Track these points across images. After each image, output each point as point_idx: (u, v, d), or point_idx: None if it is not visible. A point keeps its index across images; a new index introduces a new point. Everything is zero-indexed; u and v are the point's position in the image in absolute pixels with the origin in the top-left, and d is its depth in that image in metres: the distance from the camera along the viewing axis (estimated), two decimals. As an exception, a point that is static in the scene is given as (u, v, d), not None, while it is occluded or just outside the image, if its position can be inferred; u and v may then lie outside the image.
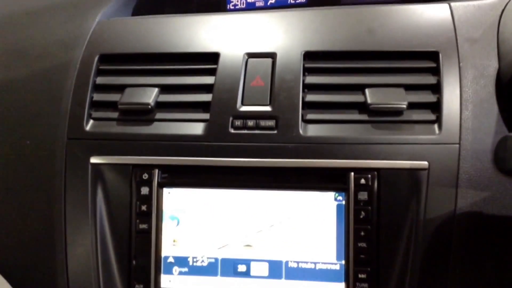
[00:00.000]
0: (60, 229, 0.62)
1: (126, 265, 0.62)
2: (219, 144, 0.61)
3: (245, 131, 0.61)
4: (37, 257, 0.63)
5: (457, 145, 0.58)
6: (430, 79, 0.62)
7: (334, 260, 0.60)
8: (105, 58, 0.69)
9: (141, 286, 0.62)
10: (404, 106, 0.59)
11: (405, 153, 0.58)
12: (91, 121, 0.65)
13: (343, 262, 0.60)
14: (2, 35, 0.76)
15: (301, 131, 0.60)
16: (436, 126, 0.59)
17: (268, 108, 0.62)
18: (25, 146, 0.66)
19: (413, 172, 0.57)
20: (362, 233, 0.58)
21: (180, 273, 0.63)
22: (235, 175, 0.62)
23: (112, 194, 0.63)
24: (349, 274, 0.59)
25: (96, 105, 0.66)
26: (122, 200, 0.63)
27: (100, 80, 0.68)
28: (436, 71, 0.62)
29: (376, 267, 0.58)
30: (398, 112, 0.60)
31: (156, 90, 0.65)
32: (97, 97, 0.67)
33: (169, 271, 0.63)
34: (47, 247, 0.62)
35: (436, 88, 0.61)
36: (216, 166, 0.61)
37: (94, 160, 0.62)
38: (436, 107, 0.60)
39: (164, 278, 0.63)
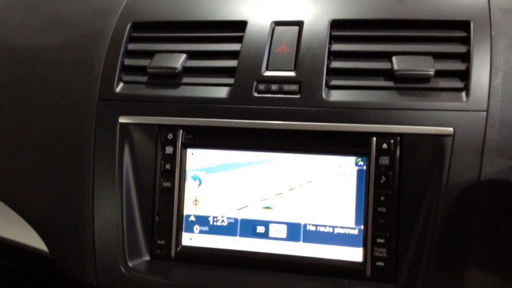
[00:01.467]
0: (88, 185, 0.64)
1: (149, 222, 0.64)
2: (242, 107, 0.62)
3: (269, 95, 0.62)
4: (66, 210, 0.66)
5: (485, 113, 0.56)
6: (460, 48, 0.61)
7: (352, 224, 0.60)
8: (137, 26, 0.71)
9: (163, 242, 0.64)
10: (431, 73, 0.58)
11: (429, 119, 0.57)
12: (121, 84, 0.68)
13: (362, 227, 0.59)
14: (42, 5, 0.80)
15: (324, 96, 0.60)
16: (463, 93, 0.58)
17: (292, 73, 0.62)
18: (59, 106, 0.69)
19: (437, 138, 0.57)
20: (382, 198, 0.58)
21: (201, 231, 0.64)
22: (257, 138, 0.63)
23: (138, 153, 0.65)
24: (367, 239, 0.58)
25: (127, 69, 0.69)
26: (147, 159, 0.65)
27: (132, 46, 0.70)
28: (466, 41, 0.61)
29: (395, 232, 0.58)
30: (425, 79, 0.59)
31: (184, 56, 0.67)
32: (128, 62, 0.69)
33: (190, 229, 0.64)
34: (75, 201, 0.65)
35: (466, 57, 0.60)
36: (239, 128, 0.62)
37: (122, 120, 0.65)
38: (464, 75, 0.59)
39: (185, 236, 0.64)
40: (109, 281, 0.62)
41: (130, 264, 0.62)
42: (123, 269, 0.61)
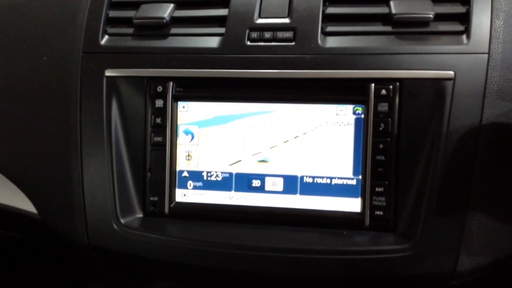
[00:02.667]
0: (75, 142, 0.62)
1: (141, 178, 0.62)
2: (235, 56, 0.59)
3: (262, 43, 0.59)
4: (54, 169, 0.63)
5: (486, 55, 0.54)
6: None
7: (350, 175, 0.58)
8: None
9: (156, 198, 0.62)
10: (431, 16, 0.56)
11: (429, 63, 0.55)
12: (106, 36, 0.64)
13: (360, 177, 0.58)
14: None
15: (320, 43, 0.58)
16: (464, 36, 0.56)
17: (286, 20, 0.59)
18: (43, 62, 0.66)
19: (437, 82, 0.55)
20: (381, 146, 0.56)
21: (195, 187, 0.62)
22: (251, 88, 0.60)
23: (127, 107, 0.62)
24: (366, 189, 0.57)
25: (112, 22, 0.65)
26: (137, 113, 0.62)
27: None
28: None
29: (394, 181, 0.56)
30: (424, 23, 0.57)
31: (171, 5, 0.63)
32: (113, 13, 0.65)
33: (183, 185, 0.63)
34: (63, 159, 0.63)
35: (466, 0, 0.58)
36: (231, 78, 0.60)
37: (109, 73, 0.62)
38: (465, 18, 0.57)
39: (178, 192, 0.62)
40: (101, 239, 0.60)
41: (122, 221, 0.60)
42: (115, 226, 0.59)
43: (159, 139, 0.61)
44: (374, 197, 0.57)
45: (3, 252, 1.03)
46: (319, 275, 0.55)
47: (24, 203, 0.68)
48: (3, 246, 0.97)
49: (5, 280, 1.27)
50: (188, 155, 0.62)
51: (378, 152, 0.56)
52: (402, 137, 0.56)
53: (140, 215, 0.62)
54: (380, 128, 0.56)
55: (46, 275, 1.37)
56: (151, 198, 0.62)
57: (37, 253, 1.12)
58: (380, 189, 0.57)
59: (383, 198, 0.57)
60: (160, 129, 0.61)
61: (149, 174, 0.62)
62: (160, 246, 0.58)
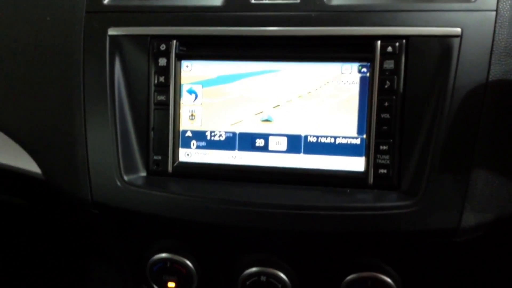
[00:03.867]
0: (79, 101, 0.62)
1: (145, 137, 0.62)
2: (239, 14, 0.59)
3: (267, 1, 0.59)
4: (57, 127, 0.63)
5: (494, 12, 0.54)
6: None
7: (355, 134, 0.58)
8: None
9: (159, 157, 0.62)
10: None
11: (436, 20, 0.54)
12: None
13: (364, 136, 0.58)
14: None
15: (325, 0, 0.57)
16: None
17: None
18: (46, 22, 0.65)
19: (444, 39, 0.54)
20: (386, 104, 0.56)
21: (198, 147, 0.62)
22: (255, 46, 0.60)
23: (130, 66, 0.62)
24: (370, 147, 0.57)
25: None
26: (140, 72, 0.62)
27: None
28: None
29: (399, 139, 0.56)
30: None
31: None
32: None
33: (187, 145, 0.62)
34: (67, 117, 0.62)
35: None
36: (235, 37, 0.59)
37: (112, 32, 0.61)
38: None
39: (182, 152, 0.62)
40: (104, 195, 0.60)
41: (125, 178, 0.60)
42: (118, 183, 0.59)
43: (162, 98, 0.61)
44: (378, 156, 0.57)
45: (7, 219, 1.04)
46: (322, 231, 0.55)
47: (27, 164, 0.68)
48: (7, 213, 0.98)
49: (8, 249, 1.28)
50: (192, 115, 0.62)
51: (383, 110, 0.56)
52: (407, 95, 0.55)
53: (143, 174, 0.62)
54: (386, 86, 0.56)
55: (48, 249, 1.38)
56: (155, 157, 0.62)
57: (40, 225, 1.13)
58: (384, 148, 0.56)
59: (387, 157, 0.56)
60: (163, 88, 0.61)
61: (152, 133, 0.62)
62: (163, 203, 0.58)
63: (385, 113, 0.56)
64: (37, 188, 0.74)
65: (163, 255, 0.63)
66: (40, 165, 0.66)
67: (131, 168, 0.61)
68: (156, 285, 0.66)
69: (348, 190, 0.57)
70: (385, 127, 0.56)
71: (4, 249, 1.27)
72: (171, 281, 0.65)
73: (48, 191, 0.68)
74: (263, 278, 0.61)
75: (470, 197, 0.52)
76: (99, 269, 1.43)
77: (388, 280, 0.58)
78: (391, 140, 0.56)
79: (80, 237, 1.02)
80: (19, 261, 1.35)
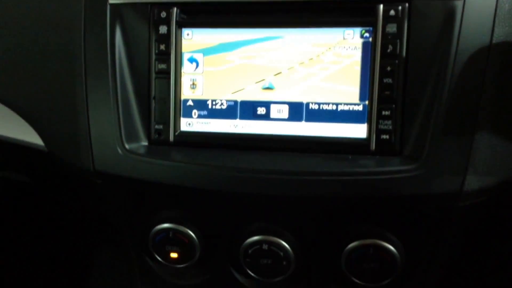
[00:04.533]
0: (80, 69, 0.61)
1: (146, 106, 0.62)
2: (239, -20, 0.58)
3: None
4: (58, 96, 0.63)
5: None
6: None
7: (357, 100, 0.58)
8: None
9: (161, 127, 0.62)
10: None
11: None
12: None
13: (366, 102, 0.57)
14: None
15: None
16: None
17: None
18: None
19: (447, 2, 0.53)
20: (389, 68, 0.55)
21: (199, 116, 0.62)
22: (256, 13, 0.59)
23: (131, 35, 0.61)
24: (372, 113, 0.56)
25: None
26: (141, 41, 0.61)
27: None
28: None
29: (401, 104, 0.55)
30: None
31: None
32: None
33: (188, 114, 0.62)
34: (67, 86, 0.62)
35: None
36: (236, 3, 0.59)
37: (112, 0, 0.61)
38: None
39: (183, 121, 0.62)
40: (106, 164, 0.60)
41: (127, 146, 0.60)
42: (120, 151, 0.59)
43: (163, 66, 0.61)
44: (380, 121, 0.56)
45: (11, 199, 1.04)
46: (324, 196, 0.55)
47: (30, 137, 0.68)
48: (11, 192, 0.98)
49: (12, 231, 1.29)
50: (193, 84, 0.62)
51: (385, 75, 0.55)
52: (410, 59, 0.55)
53: (145, 143, 0.62)
54: (388, 50, 0.55)
55: (53, 232, 1.39)
56: (156, 126, 0.62)
57: (44, 204, 1.13)
58: (386, 113, 0.56)
59: (389, 122, 0.56)
60: (164, 56, 0.61)
61: (153, 102, 0.62)
62: (165, 170, 0.58)
63: (387, 78, 0.55)
64: (40, 162, 0.74)
65: (166, 225, 0.64)
66: (42, 136, 0.66)
67: (132, 137, 0.61)
68: (159, 255, 0.66)
69: (350, 157, 0.57)
70: (387, 92, 0.56)
71: (9, 231, 1.28)
72: (174, 251, 0.65)
73: (51, 164, 0.68)
74: (265, 247, 0.61)
75: (473, 161, 0.52)
76: (104, 256, 1.44)
77: (390, 247, 0.58)
78: (393, 105, 0.56)
79: (84, 216, 1.02)
80: (24, 245, 1.37)
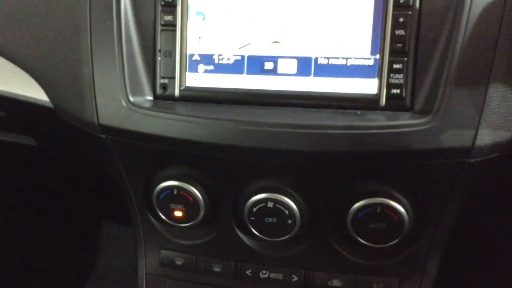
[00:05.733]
0: (84, 22, 0.60)
1: (152, 60, 0.61)
2: None
3: None
4: (63, 50, 0.62)
5: None
6: None
7: (368, 54, 0.56)
8: None
9: (166, 81, 0.61)
10: None
11: None
12: None
13: (377, 56, 0.56)
14: None
15: None
16: None
17: None
18: None
19: None
20: (401, 20, 0.53)
21: (206, 71, 0.61)
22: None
23: (137, -14, 0.60)
24: (383, 67, 0.55)
25: None
26: (147, -8, 0.60)
27: None
28: None
29: (413, 56, 0.54)
30: None
31: None
32: None
33: (194, 69, 0.61)
34: (72, 40, 0.61)
35: None
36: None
37: None
38: None
39: (189, 76, 0.61)
40: (111, 117, 0.59)
41: (131, 99, 0.59)
42: (124, 104, 0.58)
43: (169, 18, 0.60)
44: (391, 75, 0.55)
45: (18, 164, 1.04)
46: (332, 151, 0.53)
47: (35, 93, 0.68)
48: (18, 157, 0.98)
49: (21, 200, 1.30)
50: (199, 37, 0.60)
51: (397, 27, 0.54)
52: (423, 9, 0.53)
53: (150, 97, 0.61)
54: (401, 1, 0.53)
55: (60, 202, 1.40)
56: (161, 81, 0.61)
57: (52, 171, 1.13)
58: (398, 66, 0.54)
59: (400, 76, 0.54)
60: (170, 8, 0.59)
61: (159, 55, 0.61)
62: (170, 124, 0.57)
63: (399, 30, 0.54)
64: (45, 120, 0.74)
65: (170, 182, 0.63)
66: (46, 90, 0.65)
67: (137, 90, 0.60)
68: (163, 214, 0.65)
69: (359, 112, 0.56)
70: (399, 45, 0.54)
71: (16, 197, 1.29)
72: (178, 210, 0.64)
73: (56, 122, 0.67)
74: (270, 205, 0.60)
75: (486, 114, 0.50)
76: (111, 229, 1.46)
77: (398, 206, 0.57)
78: (405, 59, 0.54)
79: (89, 179, 1.02)
80: (30, 214, 1.38)
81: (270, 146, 0.55)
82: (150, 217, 0.70)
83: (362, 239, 0.60)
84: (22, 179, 1.30)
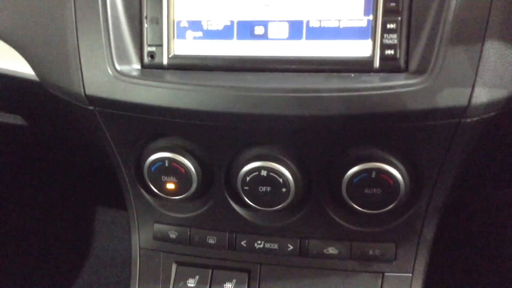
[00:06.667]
0: None
1: (138, 28, 0.59)
2: None
3: None
4: (46, 19, 0.60)
5: None
6: None
7: (361, 15, 0.54)
8: None
9: (153, 49, 0.59)
10: None
11: None
12: None
13: (371, 17, 0.54)
14: None
15: None
16: None
17: None
18: None
19: None
20: None
21: (194, 37, 0.59)
22: None
23: (120, -50, 0.58)
24: (377, 27, 0.53)
25: None
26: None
27: None
28: None
29: (407, 15, 0.52)
30: None
31: None
32: None
33: (182, 36, 0.59)
34: (55, 8, 0.59)
35: None
36: None
37: None
38: None
39: (177, 43, 0.59)
40: (97, 87, 0.57)
41: (118, 68, 0.57)
42: (111, 73, 0.56)
43: None
44: (385, 35, 0.53)
45: (8, 144, 1.02)
46: (327, 114, 0.52)
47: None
48: (7, 137, 0.96)
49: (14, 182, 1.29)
50: (187, 3, 0.58)
51: None
52: None
53: (137, 66, 0.60)
54: None
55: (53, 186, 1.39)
56: (149, 49, 0.59)
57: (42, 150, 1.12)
58: (391, 26, 0.53)
59: (394, 36, 0.53)
60: None
61: (146, 23, 0.59)
62: (159, 92, 0.55)
63: None
64: (31, 96, 0.72)
65: (161, 154, 0.61)
66: (31, 62, 0.63)
67: (124, 59, 0.58)
68: (155, 187, 0.64)
69: (353, 75, 0.54)
70: (393, 4, 0.52)
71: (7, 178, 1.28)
72: (170, 182, 0.63)
73: (43, 96, 0.65)
74: (263, 173, 0.59)
75: (482, 72, 0.49)
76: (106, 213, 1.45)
77: (394, 170, 0.56)
78: (399, 18, 0.53)
79: (79, 157, 1.01)
80: (26, 200, 1.36)
81: (263, 112, 0.53)
82: (142, 191, 0.69)
83: (358, 206, 0.59)
84: (14, 164, 1.29)
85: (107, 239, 1.44)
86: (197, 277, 0.69)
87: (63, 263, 1.40)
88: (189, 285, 0.69)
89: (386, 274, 0.65)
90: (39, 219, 1.41)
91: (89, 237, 1.44)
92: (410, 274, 0.64)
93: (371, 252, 0.64)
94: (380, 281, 0.65)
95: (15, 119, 0.85)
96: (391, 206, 0.58)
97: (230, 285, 0.68)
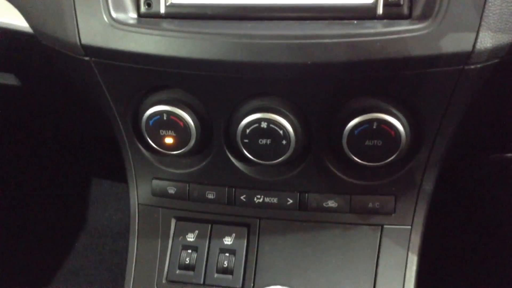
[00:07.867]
0: None
1: None
2: None
3: None
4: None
5: None
6: None
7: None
8: None
9: None
10: None
11: None
12: None
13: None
14: None
15: None
16: None
17: None
18: None
19: None
20: None
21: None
22: None
23: None
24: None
25: None
26: None
27: None
28: None
29: None
30: None
31: None
32: None
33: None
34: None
35: None
36: None
37: None
38: None
39: (174, -9, 0.58)
40: (92, 36, 0.56)
41: (114, 15, 0.55)
42: (107, 20, 0.55)
43: None
44: None
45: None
46: (329, 61, 0.51)
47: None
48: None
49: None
50: None
51: None
52: None
53: (134, 15, 0.58)
54: None
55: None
56: None
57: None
58: None
59: None
60: None
61: None
62: (157, 40, 0.54)
63: None
64: (25, 51, 0.70)
65: (159, 107, 0.60)
66: (24, 12, 0.61)
67: (120, 7, 0.57)
68: (153, 141, 0.63)
69: (355, 22, 0.53)
70: None
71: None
72: (169, 136, 0.62)
73: (37, 49, 0.63)
74: (263, 125, 0.58)
75: (487, 16, 0.48)
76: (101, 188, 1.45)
77: (395, 121, 0.56)
78: None
79: (75, 119, 0.99)
80: (20, 171, 1.35)
81: (264, 60, 0.52)
82: (140, 146, 0.68)
83: (358, 158, 0.59)
84: (5, 132, 1.27)
85: (102, 210, 1.44)
86: (196, 232, 0.69)
87: (60, 230, 1.41)
88: (188, 239, 0.69)
89: (385, 226, 0.65)
90: (34, 189, 1.41)
91: (84, 207, 1.44)
92: (409, 227, 0.65)
93: (370, 205, 0.64)
94: (379, 234, 0.65)
95: (8, 79, 0.83)
96: (391, 158, 0.58)
97: (229, 240, 0.68)
